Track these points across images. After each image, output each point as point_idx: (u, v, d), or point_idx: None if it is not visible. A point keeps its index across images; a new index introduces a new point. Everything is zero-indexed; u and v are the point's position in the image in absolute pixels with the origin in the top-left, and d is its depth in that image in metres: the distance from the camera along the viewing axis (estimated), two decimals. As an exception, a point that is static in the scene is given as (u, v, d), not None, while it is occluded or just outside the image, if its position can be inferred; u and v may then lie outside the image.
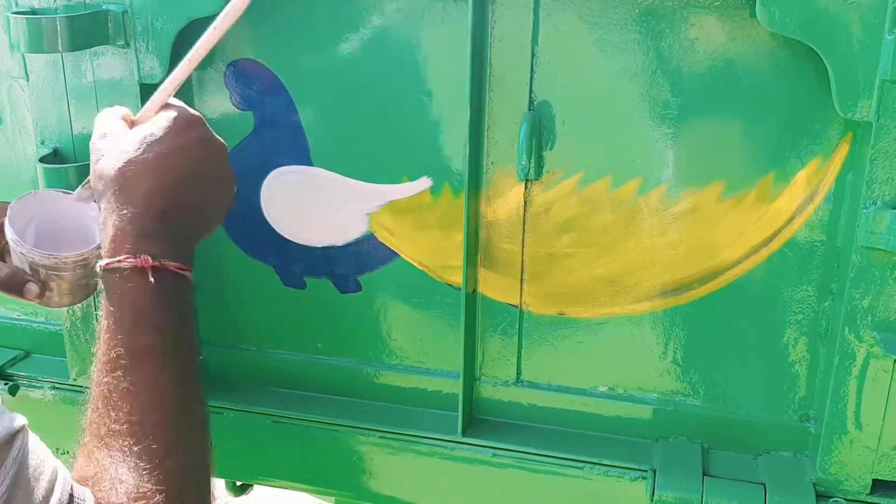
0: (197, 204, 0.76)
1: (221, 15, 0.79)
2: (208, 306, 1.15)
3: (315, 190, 1.04)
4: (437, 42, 0.95)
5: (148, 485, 0.66)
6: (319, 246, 1.07)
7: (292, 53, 1.00)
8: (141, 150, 0.72)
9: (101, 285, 0.71)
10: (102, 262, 0.70)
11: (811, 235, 0.92)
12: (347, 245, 1.06)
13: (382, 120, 1.00)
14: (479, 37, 0.92)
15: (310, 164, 1.04)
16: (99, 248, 0.94)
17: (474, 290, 1.03)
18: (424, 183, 1.01)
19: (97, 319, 1.09)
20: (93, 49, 0.98)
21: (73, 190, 0.98)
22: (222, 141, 0.80)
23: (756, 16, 0.81)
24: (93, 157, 0.76)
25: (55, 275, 0.94)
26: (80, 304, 1.10)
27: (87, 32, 0.95)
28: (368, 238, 1.04)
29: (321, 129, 1.02)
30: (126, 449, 0.67)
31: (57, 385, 1.18)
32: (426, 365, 1.09)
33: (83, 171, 1.00)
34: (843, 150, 0.88)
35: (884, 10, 0.78)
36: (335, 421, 1.08)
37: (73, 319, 1.12)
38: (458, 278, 1.01)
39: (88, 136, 1.02)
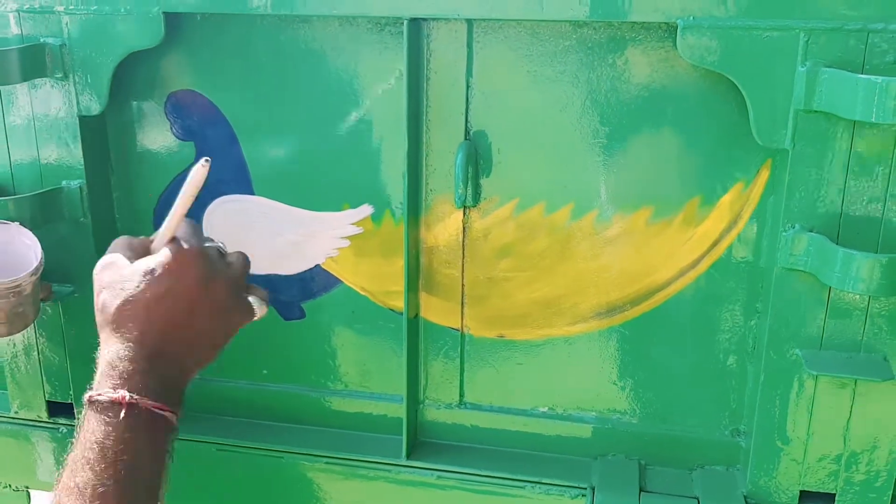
0: (192, 345, 0.75)
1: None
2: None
3: (257, 218, 1.05)
4: (375, 74, 0.97)
5: None
6: (263, 273, 1.07)
7: (232, 84, 1.01)
8: (139, 289, 0.72)
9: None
10: (85, 395, 0.69)
11: (736, 257, 0.96)
12: (290, 272, 1.07)
13: (323, 149, 1.01)
14: (416, 69, 0.94)
15: (251, 192, 1.05)
16: (32, 274, 0.94)
17: (416, 315, 1.05)
18: (366, 210, 1.02)
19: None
20: (31, 81, 0.98)
21: (11, 221, 0.98)
22: (229, 274, 0.77)
23: (678, 49, 0.85)
24: (95, 287, 0.76)
25: None
26: (19, 336, 1.09)
27: (24, 65, 0.95)
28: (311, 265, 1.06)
29: (262, 158, 1.03)
30: None
31: (-3, 418, 1.17)
32: (370, 389, 1.10)
33: (21, 203, 1.00)
34: (764, 175, 0.92)
35: (796, 43, 0.82)
36: (281, 448, 1.08)
37: (13, 352, 1.11)
38: (400, 303, 1.03)
39: (27, 169, 1.03)
